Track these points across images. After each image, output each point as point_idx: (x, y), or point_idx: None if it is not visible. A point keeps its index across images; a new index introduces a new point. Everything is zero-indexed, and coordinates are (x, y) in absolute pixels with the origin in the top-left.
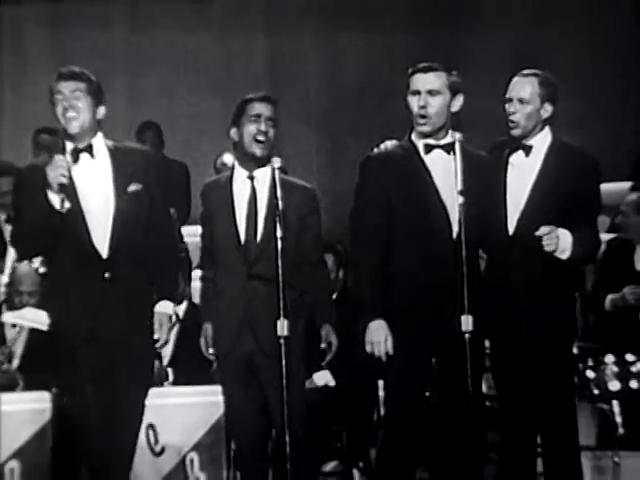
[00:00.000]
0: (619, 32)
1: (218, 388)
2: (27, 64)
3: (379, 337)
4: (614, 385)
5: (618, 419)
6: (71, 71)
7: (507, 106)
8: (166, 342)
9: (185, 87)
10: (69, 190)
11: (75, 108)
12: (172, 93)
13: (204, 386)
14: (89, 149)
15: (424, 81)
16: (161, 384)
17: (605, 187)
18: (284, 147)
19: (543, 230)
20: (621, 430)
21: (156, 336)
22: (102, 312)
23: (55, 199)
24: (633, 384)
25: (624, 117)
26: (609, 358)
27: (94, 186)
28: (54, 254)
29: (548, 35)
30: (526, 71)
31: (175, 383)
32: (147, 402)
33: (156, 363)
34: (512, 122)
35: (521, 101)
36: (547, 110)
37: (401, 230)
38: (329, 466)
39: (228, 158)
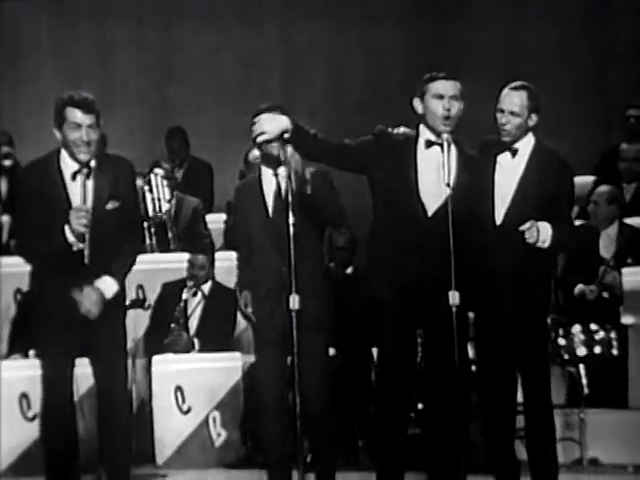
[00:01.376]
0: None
1: (237, 354)
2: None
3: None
4: (581, 351)
5: (584, 381)
6: (87, 102)
7: (499, 116)
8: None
9: (209, 99)
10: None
11: (90, 140)
12: (198, 104)
13: (225, 353)
14: (88, 168)
15: (447, 87)
16: (188, 352)
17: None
18: None
19: (525, 226)
20: (586, 390)
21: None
22: None
23: (71, 238)
24: (597, 349)
25: (586, 122)
26: (576, 328)
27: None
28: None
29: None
30: (516, 84)
31: (200, 351)
32: (176, 367)
33: (184, 334)
34: (504, 131)
35: (512, 113)
36: (533, 119)
37: (384, 207)
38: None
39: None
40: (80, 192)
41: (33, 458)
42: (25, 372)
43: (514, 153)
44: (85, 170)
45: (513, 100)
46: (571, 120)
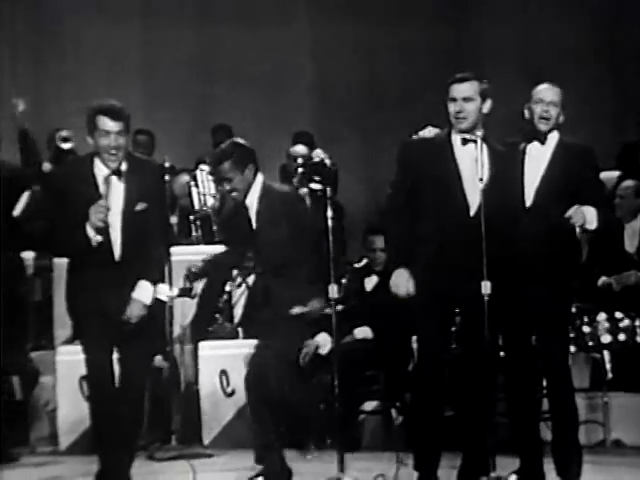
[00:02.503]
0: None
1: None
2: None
3: (401, 281)
4: (605, 338)
5: (608, 366)
6: (118, 111)
7: (538, 107)
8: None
9: (251, 96)
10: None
11: (119, 146)
12: (240, 101)
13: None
14: (118, 172)
15: (460, 90)
16: (232, 339)
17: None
18: (332, 146)
19: (570, 210)
20: (610, 375)
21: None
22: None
23: (91, 233)
24: (621, 337)
25: (607, 120)
26: (601, 316)
27: (117, 203)
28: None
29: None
30: (549, 83)
31: (243, 338)
32: (221, 352)
33: (228, 324)
34: (544, 119)
35: (552, 103)
36: (561, 115)
37: (427, 204)
38: (371, 405)
39: (299, 148)
40: (111, 194)
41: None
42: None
43: (543, 141)
44: (115, 175)
45: (552, 93)
46: (591, 117)
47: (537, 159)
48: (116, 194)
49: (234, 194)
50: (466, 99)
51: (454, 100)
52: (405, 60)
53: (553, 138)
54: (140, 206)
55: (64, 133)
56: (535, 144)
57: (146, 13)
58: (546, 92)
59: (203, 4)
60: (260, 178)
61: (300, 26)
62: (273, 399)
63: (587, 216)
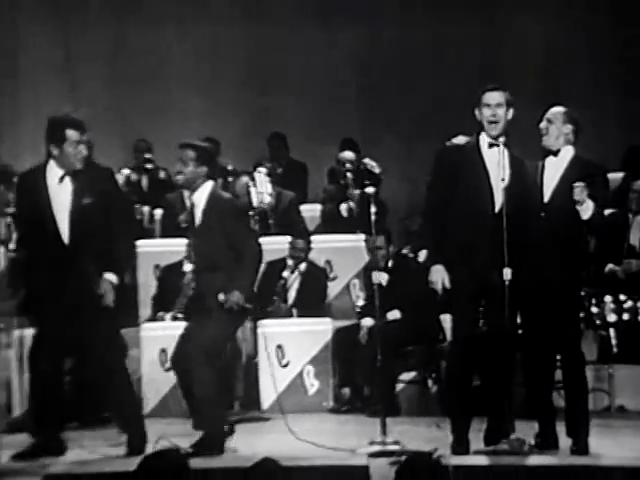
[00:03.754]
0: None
1: (328, 320)
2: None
3: (437, 276)
4: (611, 317)
5: (613, 342)
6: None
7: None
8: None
9: (304, 106)
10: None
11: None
12: (294, 111)
13: (317, 318)
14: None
15: (493, 97)
16: (287, 317)
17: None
18: (374, 150)
19: (577, 187)
20: (615, 349)
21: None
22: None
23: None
24: (625, 316)
25: (614, 125)
26: (607, 298)
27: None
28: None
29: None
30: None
31: (297, 317)
32: (277, 330)
33: (283, 305)
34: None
35: (500, 106)
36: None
37: (458, 203)
38: (409, 376)
39: (347, 154)
40: (63, 190)
41: (170, 402)
42: (164, 332)
43: (556, 154)
44: (68, 175)
45: (497, 95)
46: (599, 120)
47: (555, 164)
48: (66, 190)
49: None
50: (498, 105)
51: (488, 106)
52: (438, 74)
53: (568, 152)
54: (87, 200)
55: (147, 156)
56: (551, 157)
57: (215, 33)
58: (492, 96)
59: (261, 28)
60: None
61: (344, 42)
62: None
63: (585, 203)
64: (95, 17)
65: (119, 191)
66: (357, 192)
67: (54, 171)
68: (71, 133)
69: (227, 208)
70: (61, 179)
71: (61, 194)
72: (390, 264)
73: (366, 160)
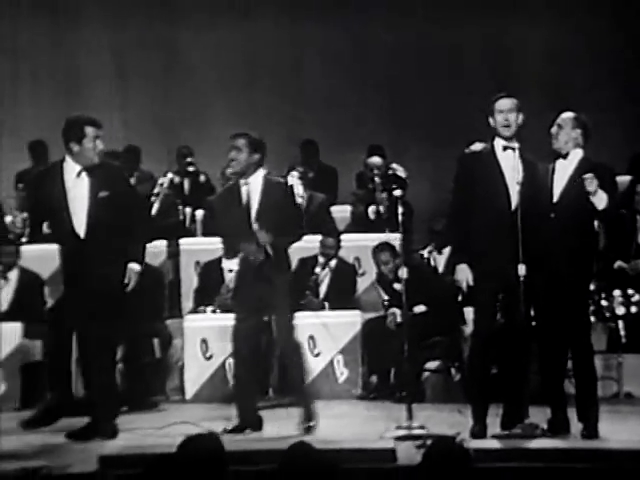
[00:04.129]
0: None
1: (358, 312)
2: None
3: (462, 275)
4: (620, 310)
5: (622, 333)
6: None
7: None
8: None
9: (333, 116)
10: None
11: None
12: (324, 120)
13: (347, 311)
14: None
15: (505, 104)
16: (319, 310)
17: None
18: (400, 156)
19: (588, 176)
20: (624, 340)
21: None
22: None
23: None
24: (633, 309)
25: (621, 127)
26: (616, 292)
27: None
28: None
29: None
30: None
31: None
32: (309, 321)
33: (315, 299)
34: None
35: (511, 112)
36: (577, 133)
37: (478, 205)
38: (434, 365)
39: (375, 159)
40: (80, 184)
41: (209, 388)
42: (205, 323)
43: (565, 157)
44: (85, 171)
45: (509, 102)
46: (610, 130)
47: (564, 167)
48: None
49: None
50: (510, 110)
51: (501, 112)
52: (456, 91)
53: (577, 154)
54: (103, 193)
55: (188, 159)
56: (561, 160)
57: (252, 49)
58: (503, 102)
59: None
60: None
61: (372, 53)
62: None
63: (599, 193)
64: (143, 33)
65: (133, 187)
66: (384, 195)
67: (71, 167)
68: (89, 130)
69: (282, 190)
70: (78, 174)
71: (78, 189)
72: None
73: (393, 165)
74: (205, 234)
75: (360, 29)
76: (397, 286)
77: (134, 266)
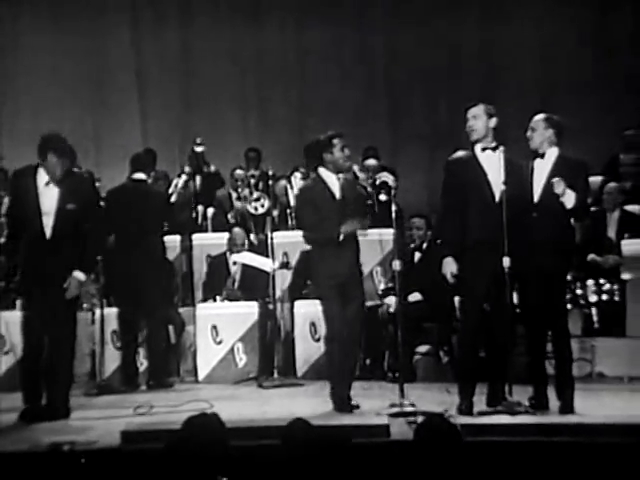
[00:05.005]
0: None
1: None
2: None
3: (447, 267)
4: (593, 298)
5: (595, 318)
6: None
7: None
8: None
9: (329, 120)
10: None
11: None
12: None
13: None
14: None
15: (471, 111)
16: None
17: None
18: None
19: (555, 180)
20: (597, 325)
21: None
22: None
23: None
24: (604, 297)
25: (597, 131)
26: (590, 282)
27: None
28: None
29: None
30: (540, 115)
31: None
32: (311, 309)
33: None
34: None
35: (475, 118)
36: (552, 136)
37: (466, 203)
38: (424, 349)
39: (370, 162)
40: (50, 193)
41: (219, 371)
42: (215, 311)
43: (542, 156)
44: (52, 182)
45: (474, 109)
46: (587, 135)
47: (542, 168)
48: (52, 195)
49: None
50: (474, 117)
51: (468, 119)
52: (453, 97)
53: (553, 152)
54: (70, 206)
55: (198, 140)
56: (538, 159)
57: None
58: (470, 110)
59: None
60: None
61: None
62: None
63: (567, 191)
64: (164, 39)
65: (97, 199)
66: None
67: (42, 175)
68: (51, 156)
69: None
70: (47, 183)
71: (47, 197)
72: (424, 247)
73: (383, 173)
74: (215, 230)
75: (359, 34)
76: (417, 255)
77: (78, 275)
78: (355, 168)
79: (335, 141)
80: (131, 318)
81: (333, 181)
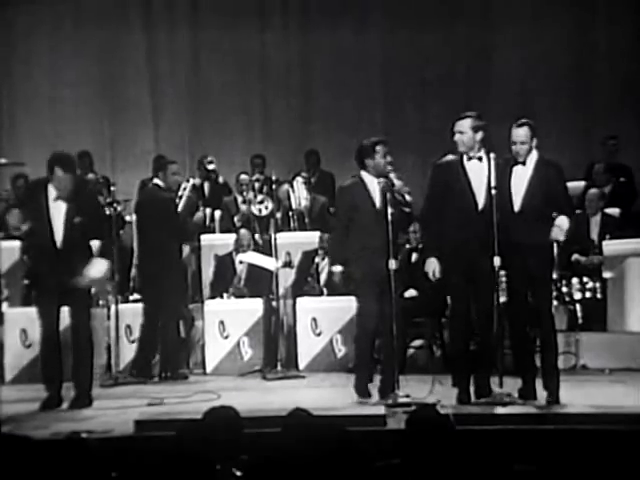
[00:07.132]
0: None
1: (352, 297)
2: None
3: (430, 267)
4: (577, 295)
5: (579, 314)
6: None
7: (513, 146)
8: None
9: (330, 129)
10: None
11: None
12: (326, 130)
13: (343, 296)
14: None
15: (457, 125)
16: (319, 296)
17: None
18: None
19: (554, 231)
20: (580, 320)
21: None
22: None
23: None
24: (587, 294)
25: (577, 137)
26: (574, 280)
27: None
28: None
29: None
30: (520, 121)
31: (327, 295)
32: (311, 305)
33: (316, 285)
34: (518, 154)
35: (522, 143)
36: (534, 142)
37: (448, 207)
38: (417, 342)
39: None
40: (58, 207)
41: (226, 364)
42: (222, 307)
43: (524, 164)
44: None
45: (461, 122)
46: (568, 142)
47: (521, 177)
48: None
49: None
50: (460, 132)
51: (454, 132)
52: (449, 93)
53: (532, 158)
54: (77, 219)
55: (209, 158)
56: (518, 166)
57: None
58: (456, 124)
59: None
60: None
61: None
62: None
63: (563, 226)
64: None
65: (102, 211)
66: None
67: (51, 190)
68: (58, 171)
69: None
70: (55, 199)
71: (57, 210)
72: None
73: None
74: (222, 231)
75: (361, 46)
76: (414, 255)
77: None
78: (392, 175)
79: (378, 147)
80: (154, 316)
81: (374, 185)
